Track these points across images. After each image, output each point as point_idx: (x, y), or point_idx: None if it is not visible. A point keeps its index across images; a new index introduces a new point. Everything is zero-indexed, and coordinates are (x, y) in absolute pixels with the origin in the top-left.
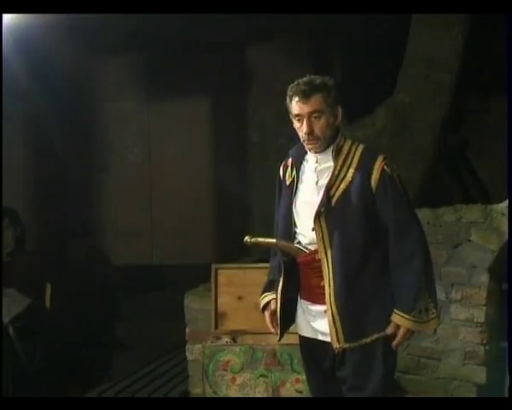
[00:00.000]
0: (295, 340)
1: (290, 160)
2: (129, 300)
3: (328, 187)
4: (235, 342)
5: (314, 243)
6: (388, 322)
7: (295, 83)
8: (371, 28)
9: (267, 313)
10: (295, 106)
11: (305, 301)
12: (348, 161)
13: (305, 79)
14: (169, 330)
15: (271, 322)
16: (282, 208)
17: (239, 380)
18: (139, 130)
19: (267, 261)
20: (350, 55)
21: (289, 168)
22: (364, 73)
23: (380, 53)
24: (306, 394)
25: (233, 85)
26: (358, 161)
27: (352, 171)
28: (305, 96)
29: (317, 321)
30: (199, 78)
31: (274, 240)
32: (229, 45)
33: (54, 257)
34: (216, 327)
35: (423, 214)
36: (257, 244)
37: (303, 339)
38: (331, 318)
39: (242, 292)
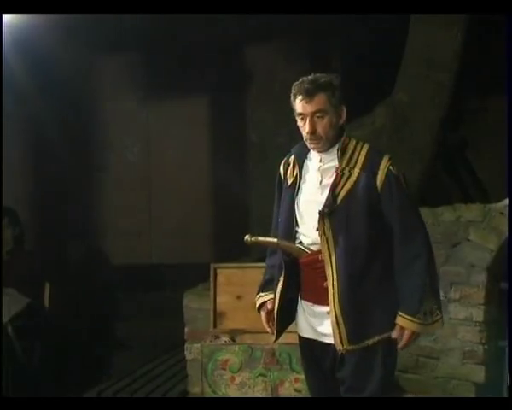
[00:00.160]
0: (294, 339)
1: (292, 157)
2: (128, 299)
3: (333, 186)
4: (233, 341)
5: (316, 244)
6: (390, 324)
7: (300, 81)
8: (371, 28)
9: (263, 313)
10: (299, 104)
11: (306, 302)
12: (353, 161)
13: (310, 77)
14: (168, 330)
15: (267, 322)
16: (283, 207)
17: (238, 379)
18: (138, 130)
19: None
20: (349, 55)
21: (291, 166)
22: (363, 72)
23: (379, 53)
24: (305, 393)
25: (232, 85)
26: (364, 160)
27: (357, 170)
28: (308, 95)
29: (318, 322)
30: (198, 78)
31: (275, 239)
32: (229, 45)
33: (53, 257)
34: (215, 326)
35: (422, 214)
36: (257, 243)
37: (303, 339)
38: (334, 319)
39: (241, 291)
